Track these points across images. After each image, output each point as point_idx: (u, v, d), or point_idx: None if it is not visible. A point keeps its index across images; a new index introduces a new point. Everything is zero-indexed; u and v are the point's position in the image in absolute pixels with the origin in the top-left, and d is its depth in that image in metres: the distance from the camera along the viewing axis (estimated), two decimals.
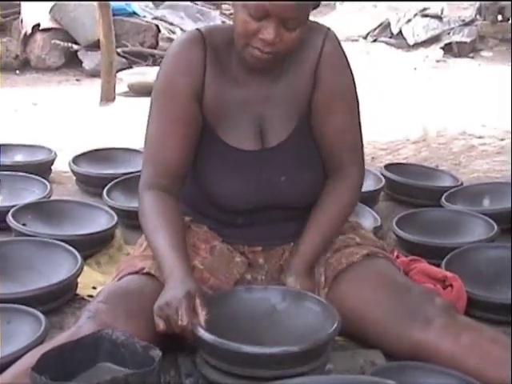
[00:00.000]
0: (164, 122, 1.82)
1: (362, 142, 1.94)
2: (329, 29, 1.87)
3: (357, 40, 8.25)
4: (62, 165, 3.62)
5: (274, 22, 1.65)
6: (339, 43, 1.88)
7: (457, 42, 8.03)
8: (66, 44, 7.01)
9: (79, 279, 2.33)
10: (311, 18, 1.76)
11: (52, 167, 3.57)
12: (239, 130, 1.83)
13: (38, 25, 7.04)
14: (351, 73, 1.89)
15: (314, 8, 1.74)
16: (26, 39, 7.14)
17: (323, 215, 1.86)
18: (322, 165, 1.91)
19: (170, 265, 1.66)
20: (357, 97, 1.90)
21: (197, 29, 1.85)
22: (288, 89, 1.84)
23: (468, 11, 9.20)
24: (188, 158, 1.83)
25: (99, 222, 2.72)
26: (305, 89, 1.85)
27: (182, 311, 1.54)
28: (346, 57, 1.88)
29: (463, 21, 8.50)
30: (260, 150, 1.84)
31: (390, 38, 8.41)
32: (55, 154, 3.60)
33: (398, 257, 2.30)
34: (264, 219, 1.87)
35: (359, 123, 1.92)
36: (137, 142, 3.61)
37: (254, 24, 1.66)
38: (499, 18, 8.33)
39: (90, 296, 2.26)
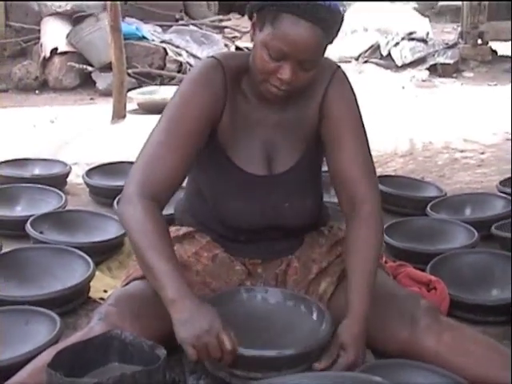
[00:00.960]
0: (174, 138, 1.70)
1: (374, 170, 1.84)
2: (338, 66, 1.85)
3: (349, 61, 8.24)
4: (76, 177, 3.63)
5: (291, 63, 1.63)
6: (346, 77, 1.84)
7: (441, 64, 8.04)
8: (81, 66, 7.02)
9: (91, 283, 2.33)
10: None
11: (67, 180, 3.58)
12: (249, 154, 1.80)
13: (56, 49, 7.05)
14: (357, 105, 1.84)
15: (329, 44, 1.69)
16: (45, 62, 7.15)
17: (363, 269, 1.71)
18: (321, 191, 1.90)
19: (176, 288, 1.52)
20: (364, 128, 1.84)
21: (212, 56, 1.80)
22: (296, 118, 1.82)
23: (451, 35, 9.22)
24: (182, 176, 1.73)
25: (110, 230, 2.72)
26: (311, 120, 1.82)
27: (224, 337, 1.46)
28: (352, 90, 1.84)
29: (447, 44, 8.51)
30: (267, 176, 1.81)
31: (380, 59, 8.41)
32: (70, 167, 3.61)
33: (386, 262, 2.30)
34: (265, 237, 1.85)
35: (369, 152, 1.83)
36: None
37: (273, 64, 1.64)
38: (479, 41, 8.34)
39: (102, 299, 2.26)
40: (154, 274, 1.56)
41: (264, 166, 1.81)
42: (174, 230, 1.90)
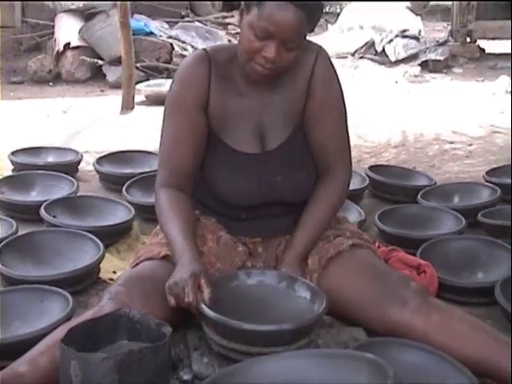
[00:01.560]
0: (176, 130, 1.82)
1: (349, 145, 1.92)
2: (320, 46, 1.87)
3: (345, 57, 8.20)
4: (87, 165, 3.63)
5: (275, 42, 1.66)
6: (329, 59, 1.88)
7: (432, 60, 8.00)
8: (92, 60, 7.00)
9: (101, 265, 2.34)
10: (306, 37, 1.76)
11: (79, 167, 3.58)
12: (241, 135, 1.83)
13: (69, 43, 7.02)
14: (339, 85, 1.88)
15: (310, 31, 1.73)
16: (59, 56, 7.12)
17: (313, 213, 1.85)
18: (313, 166, 1.90)
19: (180, 249, 1.67)
20: (344, 106, 1.89)
21: (203, 48, 1.86)
22: (284, 99, 1.84)
23: (442, 33, 9.18)
24: (197, 161, 1.83)
25: (119, 215, 2.73)
26: (299, 99, 1.84)
27: (188, 290, 1.54)
28: (335, 71, 1.88)
29: (437, 41, 8.47)
30: (260, 153, 1.83)
31: (375, 55, 8.37)
32: (81, 155, 3.61)
33: (379, 247, 2.31)
34: (263, 214, 1.86)
35: (346, 129, 1.91)
36: (152, 145, 3.61)
37: (258, 43, 1.67)
38: (468, 39, 8.30)
39: (111, 279, 2.27)
40: (170, 242, 1.73)
41: (257, 144, 1.83)
42: None
